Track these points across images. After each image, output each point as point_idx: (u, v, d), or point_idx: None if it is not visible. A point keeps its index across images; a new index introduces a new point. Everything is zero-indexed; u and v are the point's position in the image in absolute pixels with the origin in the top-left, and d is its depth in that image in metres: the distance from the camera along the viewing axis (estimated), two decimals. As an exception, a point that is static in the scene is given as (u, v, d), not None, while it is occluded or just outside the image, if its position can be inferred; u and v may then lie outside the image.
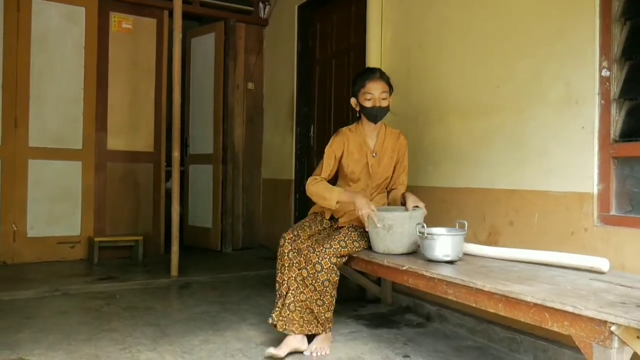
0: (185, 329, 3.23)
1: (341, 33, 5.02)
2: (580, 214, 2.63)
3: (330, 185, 3.03)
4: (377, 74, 3.06)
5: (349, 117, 4.77)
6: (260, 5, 6.31)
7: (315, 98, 5.48)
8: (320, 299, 2.79)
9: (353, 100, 3.12)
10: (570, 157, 2.68)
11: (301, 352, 2.79)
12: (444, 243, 2.53)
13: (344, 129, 3.19)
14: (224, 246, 6.19)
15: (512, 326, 2.95)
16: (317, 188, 2.99)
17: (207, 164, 6.33)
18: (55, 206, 5.33)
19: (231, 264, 5.45)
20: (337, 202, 2.94)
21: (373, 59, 4.13)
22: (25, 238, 5.18)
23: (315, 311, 2.79)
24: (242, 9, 6.27)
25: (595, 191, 2.57)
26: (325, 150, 3.13)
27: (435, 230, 2.62)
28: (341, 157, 3.13)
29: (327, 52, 5.27)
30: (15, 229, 5.13)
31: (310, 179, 3.05)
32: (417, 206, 2.88)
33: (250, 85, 6.32)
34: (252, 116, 6.36)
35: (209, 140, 6.31)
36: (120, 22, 5.65)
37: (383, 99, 3.02)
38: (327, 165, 3.09)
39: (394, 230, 2.75)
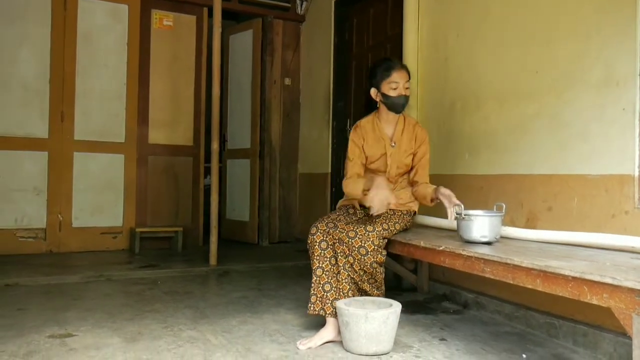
0: (224, 312, 3.30)
1: (378, 26, 5.05)
2: (621, 196, 2.60)
3: (357, 179, 3.01)
4: (399, 64, 3.06)
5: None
6: (298, 1, 6.40)
7: (351, 92, 5.52)
8: (372, 278, 2.83)
9: (373, 91, 3.07)
10: (611, 139, 2.65)
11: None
12: (481, 224, 2.54)
13: (361, 122, 3.16)
14: (261, 239, 6.28)
15: (551, 311, 2.93)
16: (347, 187, 3.02)
17: (244, 159, 6.44)
18: (99, 198, 5.51)
19: (268, 255, 5.54)
20: (363, 191, 2.91)
21: (410, 50, 4.15)
22: (71, 228, 5.37)
23: (368, 290, 2.84)
24: (279, 5, 6.37)
25: (637, 173, 2.53)
26: (348, 151, 3.11)
27: (473, 211, 2.63)
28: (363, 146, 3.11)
29: (363, 46, 5.31)
30: (61, 219, 5.32)
31: (343, 182, 3.07)
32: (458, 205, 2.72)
33: (287, 81, 6.40)
34: (289, 111, 6.44)
35: (246, 135, 6.42)
36: (162, 19, 5.81)
37: (407, 87, 3.01)
38: (354, 165, 3.08)
39: (350, 327, 2.54)
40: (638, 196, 2.53)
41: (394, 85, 2.97)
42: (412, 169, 3.15)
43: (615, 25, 2.64)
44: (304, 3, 6.37)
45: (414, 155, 3.12)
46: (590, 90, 2.76)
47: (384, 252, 2.85)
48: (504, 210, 2.63)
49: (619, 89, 2.61)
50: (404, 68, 3.04)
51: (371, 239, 2.78)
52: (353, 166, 3.08)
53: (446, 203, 2.78)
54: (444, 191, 2.82)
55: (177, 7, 5.88)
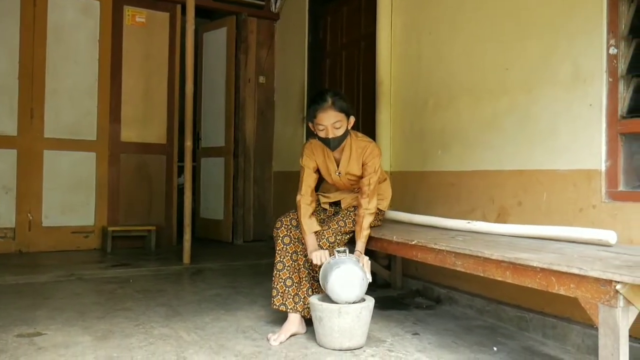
0: (197, 309, 3.28)
1: (351, 24, 5.07)
2: (589, 190, 2.65)
3: (308, 217, 2.87)
4: (327, 102, 2.77)
5: (359, 108, 4.81)
6: (272, -1, 6.38)
7: (325, 90, 5.52)
8: None
9: (311, 125, 2.92)
10: (578, 135, 2.70)
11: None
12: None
13: (313, 140, 3.03)
14: (235, 238, 6.25)
15: (522, 305, 2.98)
16: (299, 214, 2.89)
17: (218, 157, 6.40)
18: (70, 196, 5.42)
19: (243, 253, 5.52)
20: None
21: (383, 48, 4.18)
22: (41, 227, 5.27)
23: None
24: (253, 3, 6.34)
25: (603, 168, 2.59)
26: (301, 165, 3.03)
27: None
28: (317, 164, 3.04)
29: (337, 44, 5.33)
30: (31, 218, 5.22)
31: (297, 198, 2.92)
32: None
33: (262, 79, 6.38)
34: (263, 109, 6.42)
35: (220, 134, 6.39)
36: (134, 16, 5.74)
37: (336, 128, 2.78)
38: (306, 181, 2.98)
39: (323, 322, 2.56)
40: (605, 190, 2.58)
41: (320, 127, 2.81)
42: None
43: (582, 24, 2.69)
44: (278, 1, 6.35)
45: (363, 169, 2.96)
46: (559, 86, 2.81)
47: (343, 249, 2.85)
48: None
49: (585, 85, 2.67)
50: (334, 106, 2.77)
51: (326, 237, 2.84)
52: (307, 178, 2.98)
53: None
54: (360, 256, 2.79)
55: (150, 4, 5.82)
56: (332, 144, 2.84)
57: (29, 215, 5.22)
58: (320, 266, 2.70)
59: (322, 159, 3.02)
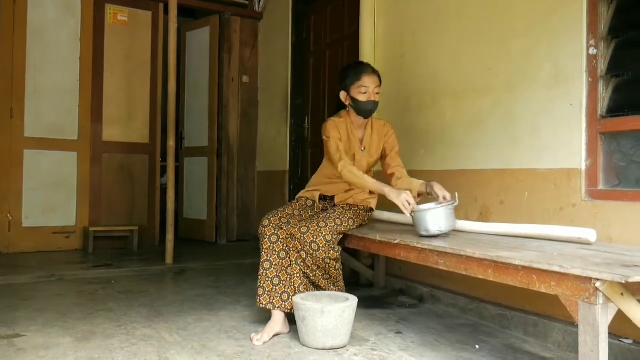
0: (180, 310, 3.26)
1: (335, 24, 5.07)
2: (569, 189, 2.68)
3: (366, 176, 2.91)
4: (370, 68, 3.03)
5: (342, 108, 4.80)
6: (255, -2, 6.37)
7: (309, 89, 5.53)
8: (326, 274, 2.84)
9: (343, 94, 3.03)
10: (559, 134, 2.73)
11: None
12: (435, 215, 2.56)
13: (334, 119, 3.08)
14: (219, 238, 6.23)
15: (503, 303, 3.00)
16: (355, 175, 2.89)
17: (202, 157, 6.37)
18: (51, 196, 5.36)
19: (226, 253, 5.49)
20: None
21: (366, 47, 4.18)
22: (21, 228, 5.20)
23: (324, 286, 2.86)
24: (237, 2, 6.32)
25: (583, 167, 2.62)
26: (329, 138, 3.00)
27: (425, 205, 2.66)
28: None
29: (321, 44, 5.33)
30: (11, 218, 5.16)
31: (341, 166, 2.91)
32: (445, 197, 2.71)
33: (245, 79, 6.36)
34: (247, 109, 6.40)
35: (204, 133, 6.35)
36: (116, 15, 5.69)
37: (377, 93, 2.98)
38: (339, 148, 2.98)
39: (306, 322, 2.55)
40: (585, 189, 2.61)
41: (363, 89, 2.94)
42: (384, 161, 3.16)
43: (562, 25, 2.72)
44: (262, 0, 6.34)
45: (384, 149, 3.15)
46: (540, 86, 2.84)
47: (338, 248, 2.85)
48: (456, 199, 2.66)
49: (566, 85, 2.70)
50: (376, 73, 3.01)
51: (323, 234, 2.79)
52: (338, 144, 2.98)
53: (438, 191, 2.75)
54: (436, 185, 2.79)
55: (132, 3, 5.77)
56: (373, 107, 2.99)
57: (8, 215, 5.15)
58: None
59: (346, 135, 3.07)
